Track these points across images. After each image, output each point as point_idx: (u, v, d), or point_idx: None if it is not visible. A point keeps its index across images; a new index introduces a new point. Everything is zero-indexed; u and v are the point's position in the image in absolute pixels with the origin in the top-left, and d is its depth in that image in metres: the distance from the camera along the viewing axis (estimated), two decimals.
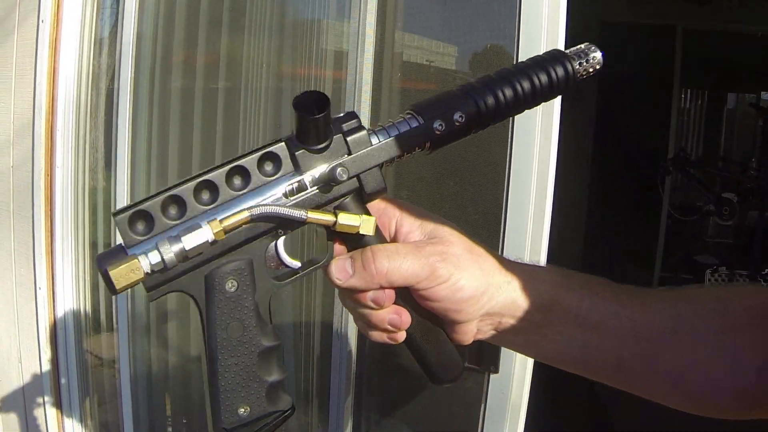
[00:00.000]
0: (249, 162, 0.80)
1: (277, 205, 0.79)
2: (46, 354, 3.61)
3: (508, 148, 1.94)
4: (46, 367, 3.62)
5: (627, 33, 5.71)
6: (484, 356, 2.01)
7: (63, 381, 3.63)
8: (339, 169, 0.81)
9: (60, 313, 3.58)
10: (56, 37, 3.43)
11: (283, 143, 0.82)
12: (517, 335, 0.91)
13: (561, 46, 1.83)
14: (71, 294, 3.60)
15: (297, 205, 0.81)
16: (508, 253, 1.95)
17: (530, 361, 2.02)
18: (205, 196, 0.79)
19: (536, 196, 1.92)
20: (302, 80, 2.74)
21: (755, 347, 0.85)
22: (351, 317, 0.92)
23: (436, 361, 0.93)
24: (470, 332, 0.90)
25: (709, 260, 7.02)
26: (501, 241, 1.99)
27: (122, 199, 3.17)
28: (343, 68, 2.38)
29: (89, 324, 3.69)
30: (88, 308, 3.66)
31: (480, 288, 0.85)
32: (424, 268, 0.83)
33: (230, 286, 0.80)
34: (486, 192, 2.09)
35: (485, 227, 2.05)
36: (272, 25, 2.86)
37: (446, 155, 2.18)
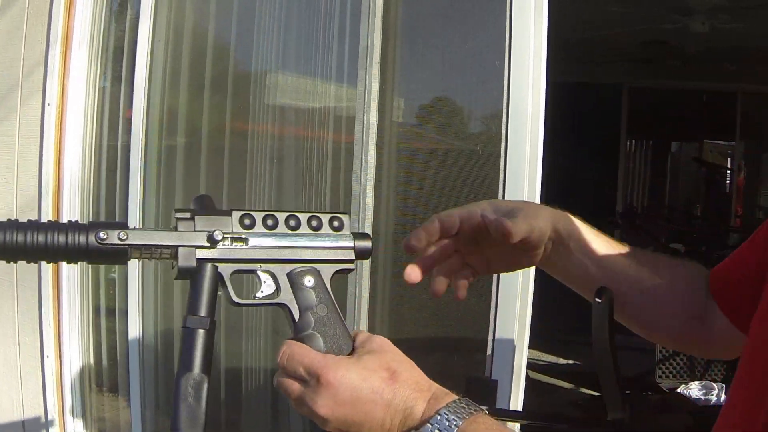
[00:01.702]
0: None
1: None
2: (54, 417, 3.82)
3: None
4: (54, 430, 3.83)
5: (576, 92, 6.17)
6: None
7: None
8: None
9: (68, 381, 3.79)
10: (62, 120, 3.73)
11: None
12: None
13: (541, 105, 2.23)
14: (78, 361, 3.82)
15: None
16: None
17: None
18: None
19: None
20: (306, 141, 3.06)
21: (683, 303, 1.27)
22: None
23: None
24: None
25: None
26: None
27: (134, 268, 3.46)
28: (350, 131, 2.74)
29: (99, 390, 3.90)
30: (96, 373, 3.88)
31: None
32: None
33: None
34: None
35: None
36: (276, 90, 3.22)
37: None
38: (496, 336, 2.23)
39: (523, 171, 2.22)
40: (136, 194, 3.46)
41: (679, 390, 5.70)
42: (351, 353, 1.02)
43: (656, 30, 6.21)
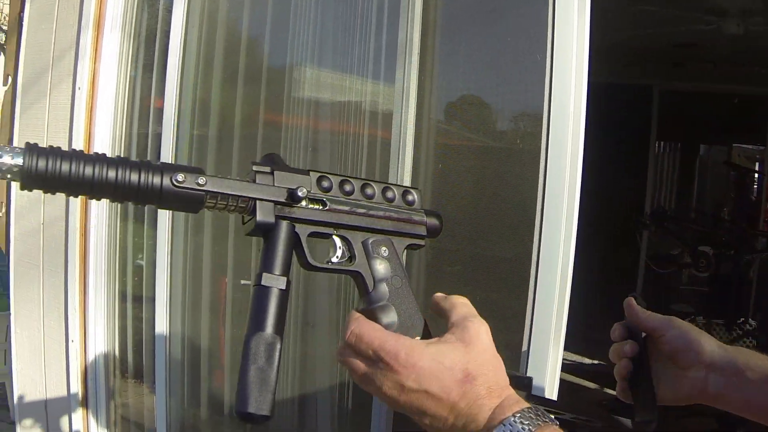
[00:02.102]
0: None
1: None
2: (77, 402, 3.86)
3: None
4: (77, 416, 3.88)
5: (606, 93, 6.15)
6: None
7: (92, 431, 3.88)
8: None
9: (92, 365, 3.83)
10: (92, 105, 3.75)
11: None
12: None
13: (582, 106, 2.22)
14: (103, 346, 3.86)
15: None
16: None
17: None
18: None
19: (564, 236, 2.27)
20: (341, 136, 3.05)
21: None
22: None
23: None
24: None
25: (685, 309, 7.51)
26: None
27: (163, 253, 3.48)
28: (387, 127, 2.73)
29: (122, 376, 3.93)
30: (121, 360, 3.90)
31: None
32: None
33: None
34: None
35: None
36: (312, 82, 3.21)
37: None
38: (533, 334, 2.23)
39: (564, 170, 2.20)
40: None
41: None
42: (426, 332, 1.01)
43: (688, 32, 6.17)
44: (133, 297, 3.87)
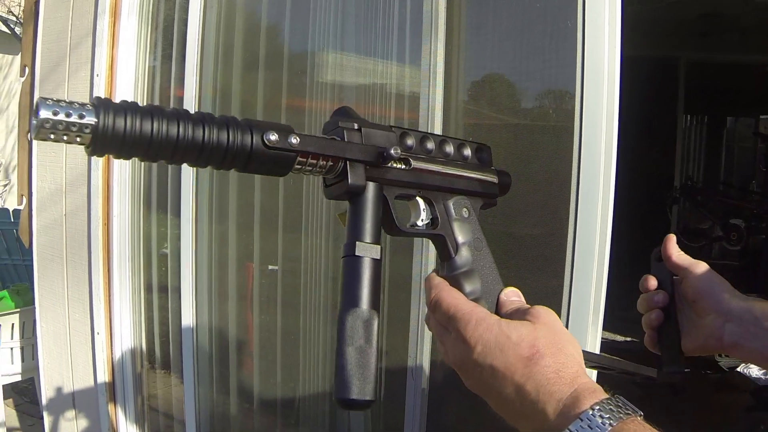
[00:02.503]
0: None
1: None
2: (104, 394, 3.86)
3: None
4: (105, 409, 3.87)
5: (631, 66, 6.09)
6: None
7: (121, 423, 3.89)
8: None
9: (118, 357, 3.83)
10: (111, 91, 3.72)
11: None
12: None
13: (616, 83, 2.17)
14: (129, 337, 3.85)
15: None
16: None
17: None
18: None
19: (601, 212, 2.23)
20: (368, 118, 3.00)
21: None
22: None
23: None
24: None
25: None
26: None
27: (188, 241, 3.46)
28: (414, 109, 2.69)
29: (150, 367, 3.93)
30: (148, 351, 3.91)
31: None
32: None
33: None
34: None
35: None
36: (335, 64, 3.17)
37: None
38: (570, 313, 2.20)
39: (599, 144, 2.16)
40: (189, 173, 3.45)
41: (738, 369, 5.67)
42: (505, 309, 0.96)
43: (714, 1, 6.10)
44: (159, 287, 3.86)
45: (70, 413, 4.13)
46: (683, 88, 7.44)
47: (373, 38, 2.98)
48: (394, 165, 0.93)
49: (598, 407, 0.78)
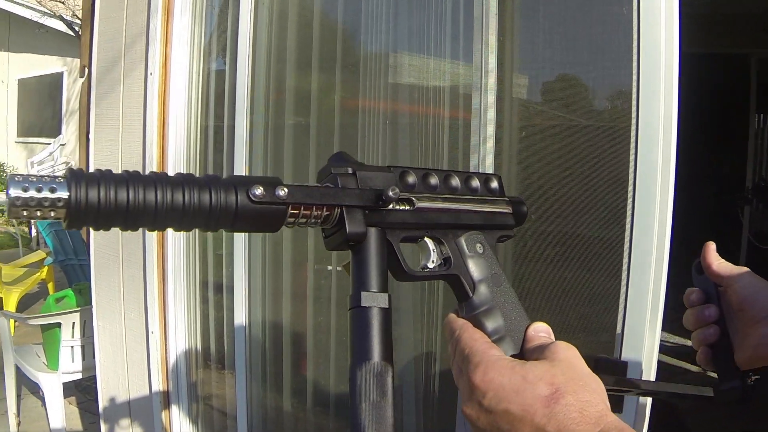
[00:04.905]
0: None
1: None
2: (158, 393, 3.99)
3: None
4: (159, 408, 4.00)
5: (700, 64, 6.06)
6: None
7: (175, 422, 4.01)
8: None
9: (173, 356, 3.96)
10: (165, 89, 3.85)
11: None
12: None
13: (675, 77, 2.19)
14: (183, 336, 3.98)
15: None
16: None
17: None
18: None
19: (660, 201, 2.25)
20: (421, 118, 3.06)
21: None
22: None
23: None
24: None
25: None
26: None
27: (240, 241, 3.56)
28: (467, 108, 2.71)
29: (204, 365, 4.04)
30: (203, 350, 4.02)
31: None
32: None
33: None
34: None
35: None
36: (388, 64, 3.21)
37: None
38: (627, 315, 2.22)
39: (657, 147, 2.17)
40: (242, 172, 3.53)
41: None
42: (522, 352, 0.92)
43: None
44: (214, 286, 3.96)
45: (125, 412, 4.26)
46: (755, 86, 7.36)
47: (427, 38, 3.03)
48: (396, 206, 0.92)
49: None
